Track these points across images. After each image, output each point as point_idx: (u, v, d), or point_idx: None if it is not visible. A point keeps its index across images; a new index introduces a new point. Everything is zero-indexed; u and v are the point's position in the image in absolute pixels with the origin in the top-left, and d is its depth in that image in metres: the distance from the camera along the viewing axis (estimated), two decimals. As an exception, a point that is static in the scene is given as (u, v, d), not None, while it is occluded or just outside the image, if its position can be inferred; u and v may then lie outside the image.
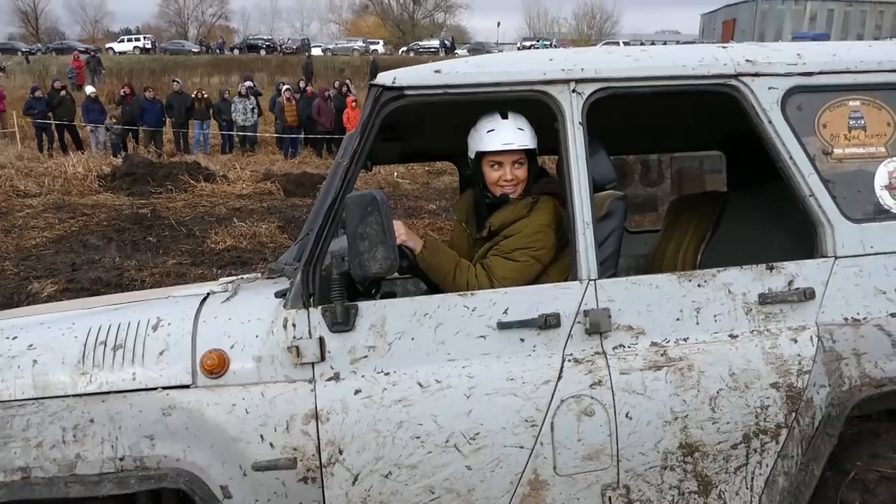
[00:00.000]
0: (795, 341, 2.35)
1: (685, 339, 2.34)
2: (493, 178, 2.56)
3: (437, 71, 2.32)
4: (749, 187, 3.15)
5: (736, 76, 2.40)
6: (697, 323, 2.35)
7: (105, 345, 2.20)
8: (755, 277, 2.38)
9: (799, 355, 2.34)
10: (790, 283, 2.38)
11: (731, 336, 2.35)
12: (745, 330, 2.36)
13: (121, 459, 2.07)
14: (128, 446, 2.08)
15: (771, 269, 2.39)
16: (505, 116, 2.51)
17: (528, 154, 2.56)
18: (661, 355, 2.31)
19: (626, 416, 2.26)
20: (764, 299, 2.37)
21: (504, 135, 2.50)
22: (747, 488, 2.35)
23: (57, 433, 2.06)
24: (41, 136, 17.92)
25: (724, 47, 2.49)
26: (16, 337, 2.24)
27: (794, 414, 2.33)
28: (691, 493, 2.33)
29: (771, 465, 2.35)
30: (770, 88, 2.41)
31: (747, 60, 2.41)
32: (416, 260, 2.47)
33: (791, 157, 2.39)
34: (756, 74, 2.40)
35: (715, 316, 2.35)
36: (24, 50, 43.36)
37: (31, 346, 2.20)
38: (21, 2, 58.32)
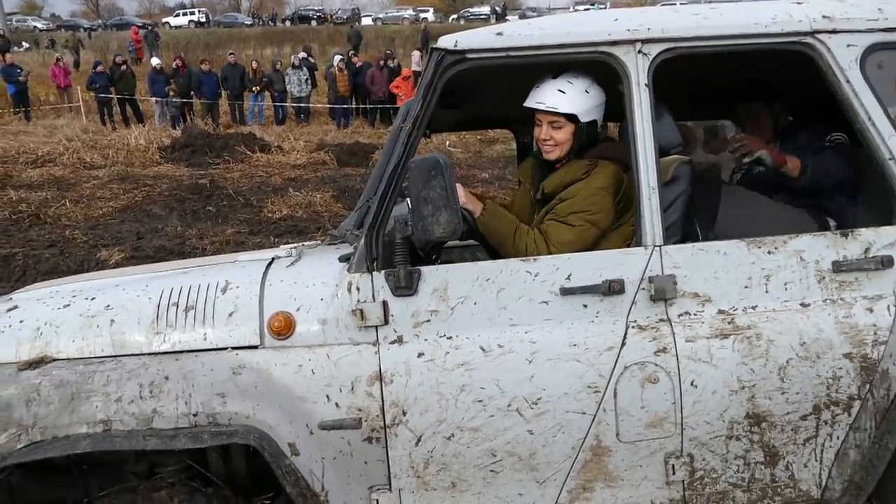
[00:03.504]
0: (871, 311, 2.28)
1: (753, 308, 2.29)
2: (535, 134, 2.55)
3: (499, 34, 2.29)
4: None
5: (812, 34, 2.30)
6: (767, 291, 2.30)
7: (177, 306, 2.27)
8: (829, 244, 2.31)
9: (874, 325, 2.28)
10: (867, 250, 2.30)
11: (802, 305, 2.30)
12: (818, 298, 2.30)
13: (194, 415, 2.14)
14: (200, 403, 2.15)
15: (846, 235, 2.31)
16: (556, 76, 2.46)
17: (573, 118, 2.46)
18: (729, 323, 2.27)
19: (692, 384, 2.23)
20: (838, 267, 2.30)
21: (542, 93, 2.46)
22: (817, 460, 2.31)
23: (135, 389, 2.14)
24: (104, 110, 18.45)
25: (798, 3, 2.39)
26: (94, 298, 2.33)
27: (868, 386, 2.27)
28: (757, 463, 2.30)
29: (842, 438, 2.30)
30: (849, 46, 2.30)
31: (824, 17, 2.31)
32: (476, 223, 2.46)
33: (870, 118, 2.29)
34: (833, 31, 2.30)
35: (785, 284, 2.30)
36: (85, 27, 44.48)
37: (108, 306, 2.29)
38: (81, -21, 59.79)
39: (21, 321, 2.28)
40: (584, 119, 2.47)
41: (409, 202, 2.16)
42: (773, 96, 2.90)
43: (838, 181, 2.66)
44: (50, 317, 2.28)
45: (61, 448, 2.10)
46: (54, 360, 2.20)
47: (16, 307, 2.35)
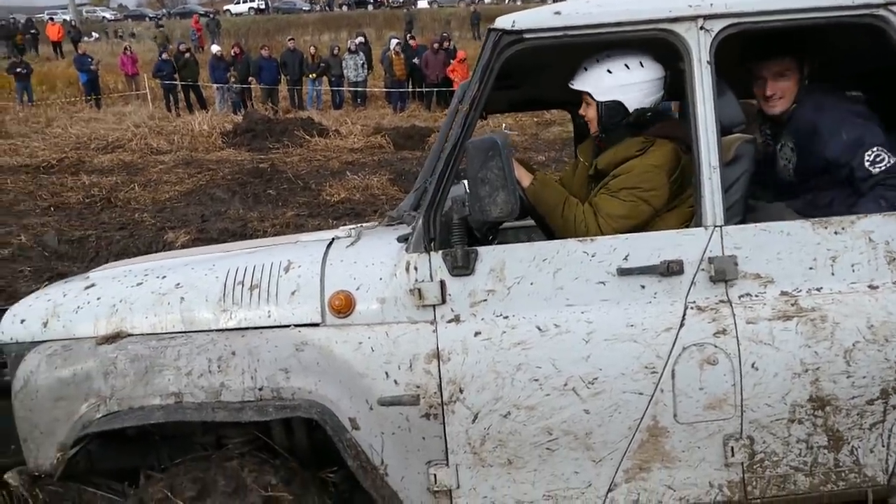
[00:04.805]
0: None
1: (818, 289, 2.24)
2: None
3: (558, 13, 2.27)
4: (891, 130, 2.92)
5: (884, 5, 2.22)
6: (833, 272, 2.25)
7: (243, 285, 2.35)
8: None
9: None
10: None
11: (870, 287, 2.24)
12: (888, 280, 2.25)
13: (260, 389, 2.22)
14: (265, 378, 2.22)
15: None
16: (595, 53, 2.47)
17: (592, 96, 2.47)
18: (792, 305, 2.23)
19: (752, 366, 2.20)
20: None
21: (577, 71, 2.49)
22: (883, 446, 2.26)
23: (204, 363, 2.23)
24: (169, 97, 18.99)
25: (870, -26, 2.30)
26: (165, 276, 2.44)
27: None
28: (820, 447, 2.26)
29: None
30: None
31: None
32: (525, 193, 2.47)
33: (946, 94, 2.20)
34: None
35: (853, 265, 2.25)
36: (151, 16, 45.79)
37: (178, 284, 2.39)
38: (146, -31, 61.31)
39: (98, 298, 2.40)
40: (598, 98, 2.45)
41: (466, 183, 2.18)
42: (807, 55, 2.58)
43: None
44: (125, 294, 2.40)
45: (137, 418, 2.21)
46: (129, 335, 2.32)
47: (93, 285, 2.48)
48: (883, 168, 2.37)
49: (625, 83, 2.42)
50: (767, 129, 2.71)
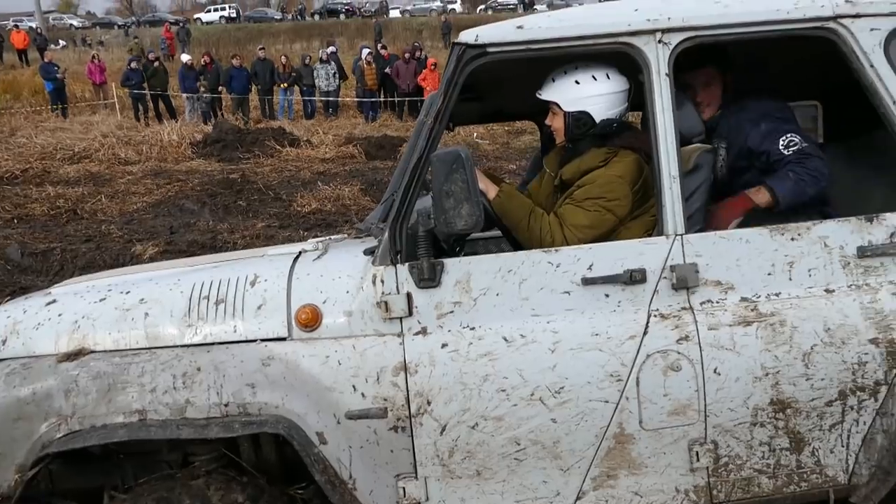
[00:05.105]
0: None
1: (777, 295, 2.29)
2: None
3: (520, 27, 2.31)
4: (848, 139, 3.01)
5: (834, 18, 2.30)
6: (790, 278, 2.30)
7: (208, 299, 2.33)
8: (853, 230, 2.31)
9: None
10: (892, 235, 2.30)
11: (826, 291, 2.30)
12: (843, 284, 2.31)
13: (226, 405, 2.20)
14: (231, 393, 2.20)
15: (871, 220, 2.31)
16: (563, 65, 2.51)
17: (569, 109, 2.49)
18: (752, 310, 2.28)
19: (715, 371, 2.24)
20: (863, 252, 2.30)
21: (545, 81, 2.53)
22: (843, 446, 2.31)
23: (168, 380, 2.20)
24: (137, 107, 18.76)
25: (821, -12, 2.37)
26: (129, 291, 2.41)
27: (894, 370, 2.27)
28: (783, 449, 2.30)
29: (869, 423, 2.30)
30: (872, 30, 2.30)
31: (847, 1, 2.30)
32: (491, 205, 2.50)
33: (895, 103, 2.27)
34: (856, 16, 2.29)
35: (809, 270, 2.31)
36: (120, 24, 45.25)
37: (142, 300, 2.36)
38: (114, -24, 60.67)
39: (59, 315, 2.37)
40: (566, 108, 2.48)
41: (431, 195, 2.20)
42: (728, 64, 2.76)
43: (813, 196, 2.56)
44: (87, 310, 2.36)
45: (99, 437, 2.18)
46: (91, 352, 2.28)
47: (54, 301, 2.44)
48: (795, 150, 2.54)
49: (592, 94, 2.46)
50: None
